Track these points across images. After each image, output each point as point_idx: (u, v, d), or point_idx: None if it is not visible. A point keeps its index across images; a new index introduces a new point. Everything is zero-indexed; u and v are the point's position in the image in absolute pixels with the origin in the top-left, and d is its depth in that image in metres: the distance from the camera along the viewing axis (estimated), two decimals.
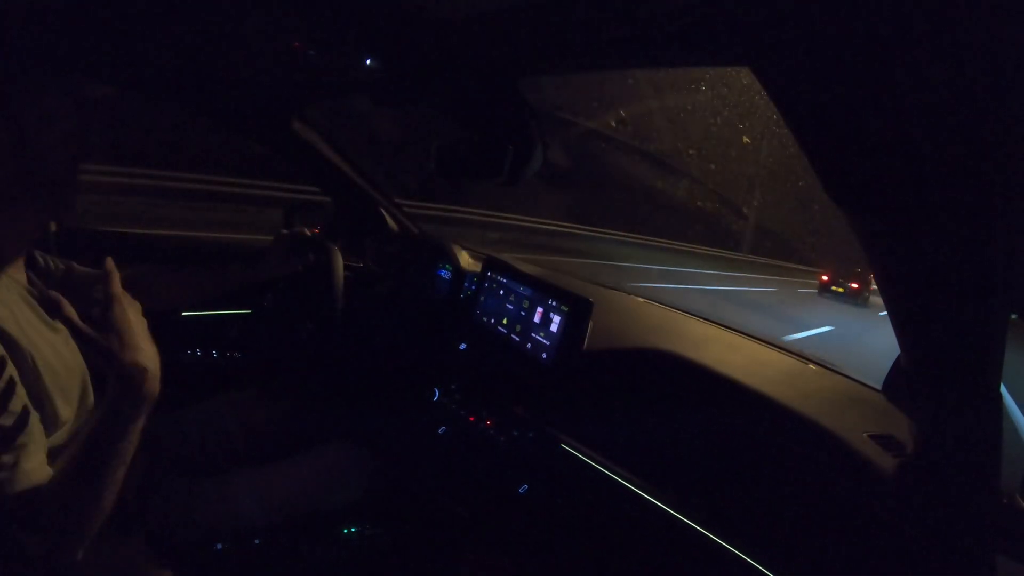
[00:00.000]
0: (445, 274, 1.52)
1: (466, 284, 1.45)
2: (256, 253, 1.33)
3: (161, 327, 0.69)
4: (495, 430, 1.17)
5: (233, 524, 0.95)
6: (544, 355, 1.15)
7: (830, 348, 6.85)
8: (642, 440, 1.00)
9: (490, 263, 1.38)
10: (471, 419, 1.22)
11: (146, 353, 0.64)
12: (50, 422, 0.69)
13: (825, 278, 14.34)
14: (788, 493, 0.83)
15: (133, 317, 0.65)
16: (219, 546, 0.92)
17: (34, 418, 0.63)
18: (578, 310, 1.12)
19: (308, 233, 1.32)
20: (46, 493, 0.61)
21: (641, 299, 1.57)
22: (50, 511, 0.61)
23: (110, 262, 0.65)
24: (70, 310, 0.60)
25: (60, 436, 0.71)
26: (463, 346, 1.35)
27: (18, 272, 0.74)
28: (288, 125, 1.44)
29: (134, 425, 0.63)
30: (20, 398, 0.61)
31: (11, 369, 0.61)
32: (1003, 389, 0.59)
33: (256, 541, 0.95)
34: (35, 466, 0.61)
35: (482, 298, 1.36)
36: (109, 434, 0.61)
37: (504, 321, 1.28)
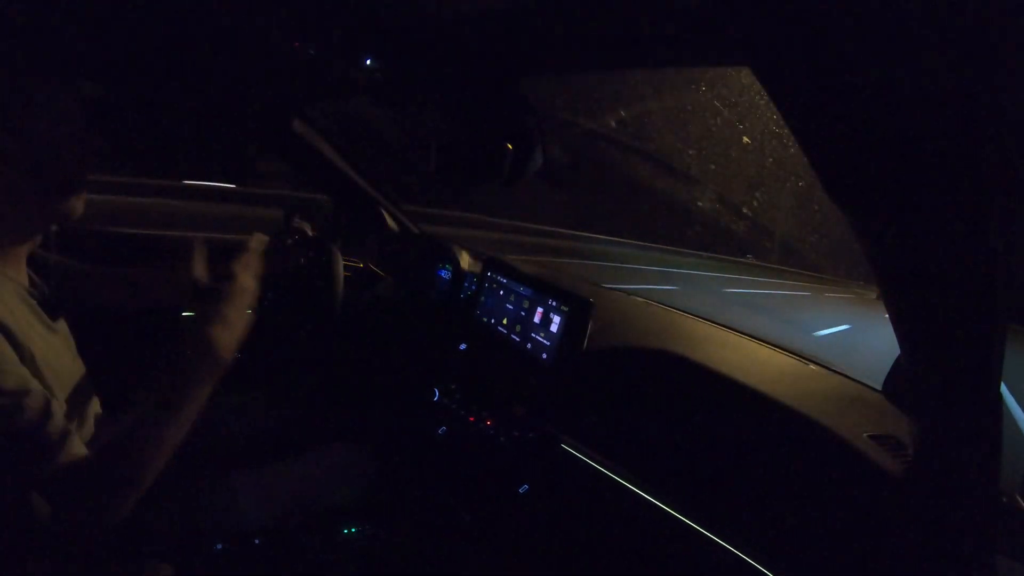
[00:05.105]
0: (445, 274, 1.52)
1: (466, 284, 1.45)
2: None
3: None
4: (495, 430, 1.17)
5: (233, 524, 0.95)
6: (544, 355, 1.15)
7: (847, 344, 7.36)
8: (642, 440, 1.00)
9: (490, 263, 1.37)
10: (471, 419, 1.22)
11: (236, 329, 0.70)
12: None
13: None
14: (788, 493, 0.83)
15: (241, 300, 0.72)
16: (219, 546, 0.92)
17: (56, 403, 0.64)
18: (578, 310, 1.12)
19: (308, 232, 1.32)
20: (91, 463, 0.62)
21: (640, 299, 1.56)
22: (94, 482, 0.63)
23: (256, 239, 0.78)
24: None
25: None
26: (463, 346, 1.35)
27: (19, 272, 0.74)
28: (288, 125, 1.43)
29: (201, 390, 0.67)
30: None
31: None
32: (1003, 389, 0.59)
33: (256, 541, 0.95)
34: (74, 440, 0.63)
35: (482, 298, 1.36)
36: (174, 398, 0.66)
37: (504, 321, 1.28)
